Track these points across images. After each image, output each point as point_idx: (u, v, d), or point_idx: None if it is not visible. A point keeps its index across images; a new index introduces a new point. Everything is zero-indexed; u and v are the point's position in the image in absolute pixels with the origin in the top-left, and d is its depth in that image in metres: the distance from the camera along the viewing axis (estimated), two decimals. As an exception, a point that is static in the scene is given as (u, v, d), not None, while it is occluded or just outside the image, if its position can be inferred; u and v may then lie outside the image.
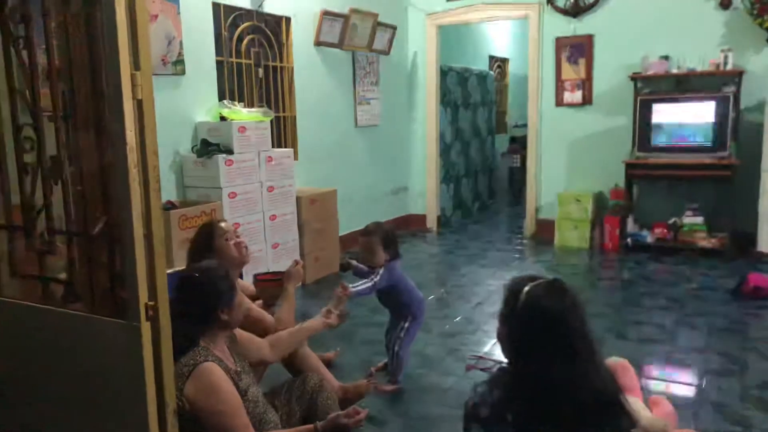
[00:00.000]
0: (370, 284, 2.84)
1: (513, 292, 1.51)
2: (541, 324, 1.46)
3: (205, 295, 1.96)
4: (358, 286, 2.82)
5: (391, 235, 2.96)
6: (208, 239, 2.58)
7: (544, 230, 6.08)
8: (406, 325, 2.99)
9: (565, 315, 1.44)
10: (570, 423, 1.40)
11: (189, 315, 1.90)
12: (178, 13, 3.97)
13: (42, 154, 1.95)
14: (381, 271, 2.87)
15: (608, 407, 1.43)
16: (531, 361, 1.45)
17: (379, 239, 2.87)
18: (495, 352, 3.38)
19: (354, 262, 2.97)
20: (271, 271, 2.84)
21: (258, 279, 2.98)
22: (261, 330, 2.50)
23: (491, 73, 8.34)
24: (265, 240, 4.26)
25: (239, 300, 2.05)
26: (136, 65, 1.65)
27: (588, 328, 1.47)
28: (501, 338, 1.56)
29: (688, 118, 5.18)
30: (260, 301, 2.83)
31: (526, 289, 1.49)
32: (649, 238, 5.42)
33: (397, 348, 2.98)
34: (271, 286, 2.82)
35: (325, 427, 2.02)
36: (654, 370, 3.16)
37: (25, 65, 1.97)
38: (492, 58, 8.86)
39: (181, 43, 3.99)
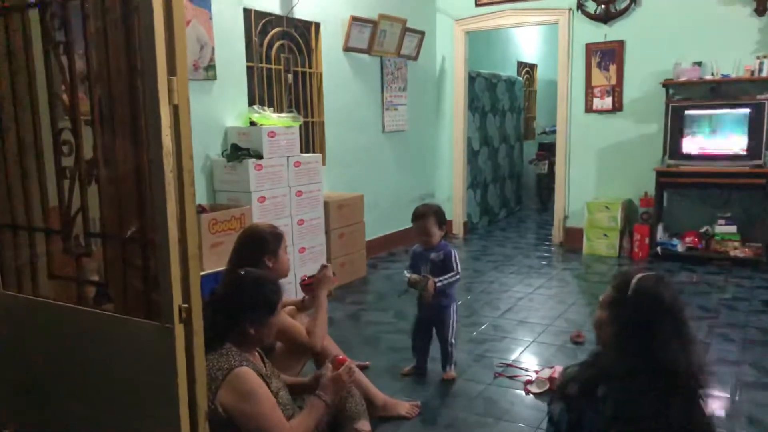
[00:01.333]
0: (457, 276, 3.04)
1: (624, 280, 1.65)
2: (650, 308, 1.59)
3: (243, 300, 1.94)
4: (444, 279, 2.98)
5: (442, 213, 3.10)
6: (262, 244, 2.50)
7: (573, 238, 6.01)
8: (455, 315, 3.11)
9: (671, 303, 1.60)
10: (664, 401, 1.51)
11: (222, 313, 1.91)
12: (210, 19, 4.02)
13: (79, 157, 1.99)
14: (453, 256, 3.03)
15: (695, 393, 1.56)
16: (636, 342, 1.56)
17: (433, 220, 3.01)
18: (523, 360, 3.35)
19: (414, 277, 3.03)
20: (311, 275, 2.79)
21: (303, 285, 2.86)
22: (295, 343, 2.50)
23: (520, 79, 8.29)
24: (293, 244, 4.29)
25: (274, 321, 2.00)
26: (172, 71, 1.67)
27: (687, 318, 1.62)
28: (601, 323, 1.68)
29: (722, 125, 5.08)
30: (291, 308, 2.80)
31: (638, 276, 1.64)
32: (680, 247, 5.32)
33: (451, 347, 3.10)
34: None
35: (326, 390, 2.00)
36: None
37: (64, 70, 2.01)
38: (520, 63, 8.80)
39: (213, 48, 4.04)
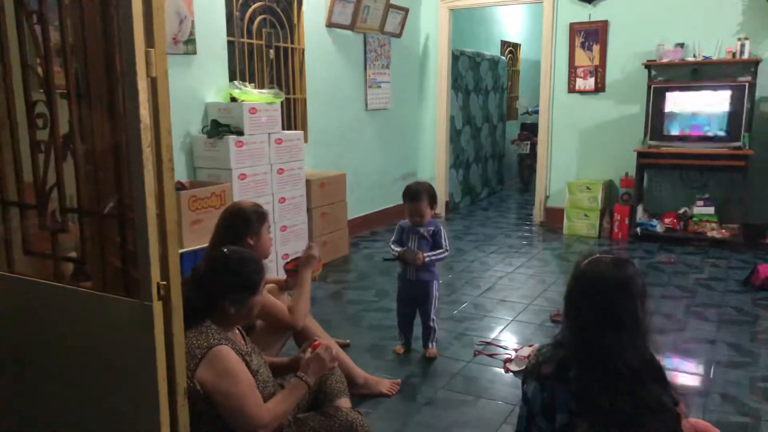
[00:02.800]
0: (446, 253, 3.10)
1: (578, 262, 1.64)
2: (589, 290, 1.57)
3: (225, 278, 1.92)
4: (433, 254, 3.04)
5: (433, 191, 3.13)
6: (244, 223, 2.45)
7: (553, 218, 6.05)
8: (436, 292, 3.14)
9: (616, 288, 1.53)
10: (623, 387, 1.49)
11: (202, 291, 1.89)
12: (190, -8, 3.93)
13: (55, 131, 1.94)
14: (442, 234, 3.09)
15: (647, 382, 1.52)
16: (581, 325, 1.56)
17: (426, 201, 3.05)
18: (503, 338, 3.38)
19: (404, 250, 3.06)
20: (297, 257, 2.75)
21: (287, 269, 2.83)
22: (276, 322, 2.49)
23: (503, 58, 8.26)
24: (274, 223, 4.26)
25: (255, 301, 1.97)
26: (150, 43, 1.63)
27: (638, 306, 1.54)
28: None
29: (702, 107, 5.12)
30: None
31: (590, 258, 1.62)
32: (659, 228, 5.39)
33: (433, 324, 3.14)
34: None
35: (307, 371, 2.01)
36: (663, 360, 3.14)
37: (38, 41, 1.95)
38: (504, 43, 8.77)
39: (192, 22, 3.96)
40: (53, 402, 1.97)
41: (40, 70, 1.99)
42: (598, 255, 1.63)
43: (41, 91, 1.98)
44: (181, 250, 3.31)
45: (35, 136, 1.99)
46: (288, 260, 2.89)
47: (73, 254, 2.04)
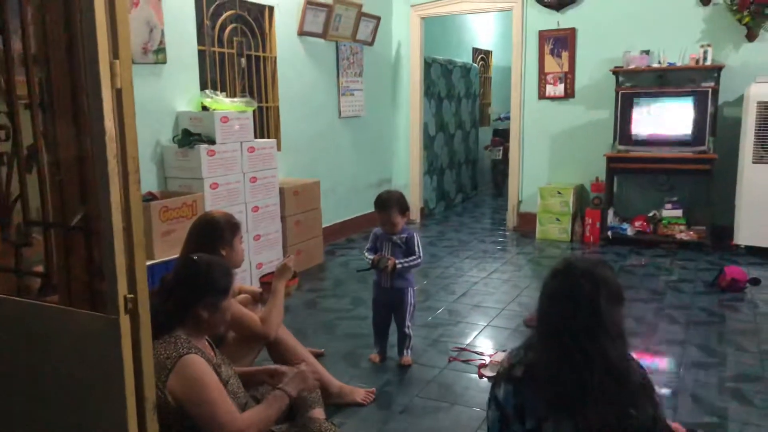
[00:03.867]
0: (419, 259, 3.08)
1: (554, 266, 1.64)
2: (561, 293, 1.57)
3: (195, 283, 1.91)
4: (405, 261, 3.03)
5: (404, 199, 3.14)
6: (217, 233, 2.43)
7: (526, 222, 6.11)
8: (412, 299, 3.14)
9: (586, 290, 1.51)
10: (593, 395, 1.47)
11: (173, 298, 1.87)
12: (160, 1, 3.90)
13: (18, 143, 1.91)
14: (415, 240, 3.08)
15: (627, 390, 1.50)
16: (552, 329, 1.54)
17: (396, 210, 3.04)
18: (477, 344, 3.40)
19: (376, 257, 3.06)
20: (272, 271, 2.73)
21: (262, 281, 2.83)
22: (248, 333, 2.46)
23: (475, 65, 8.34)
24: (248, 231, 4.23)
25: (227, 305, 1.97)
26: (115, 54, 1.61)
27: (614, 310, 1.53)
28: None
29: (668, 112, 5.23)
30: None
31: (565, 261, 1.62)
32: (629, 231, 5.47)
33: (408, 331, 3.14)
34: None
35: (289, 384, 2.01)
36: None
37: (-1, 52, 1.92)
38: (476, 50, 8.86)
39: (162, 31, 3.92)
40: (18, 418, 1.93)
41: (1, 80, 1.96)
42: (574, 257, 1.63)
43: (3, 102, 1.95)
44: (151, 261, 3.28)
45: (-3, 148, 1.96)
46: (263, 273, 2.87)
47: (39, 268, 2.00)
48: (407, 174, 6.71)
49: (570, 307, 1.53)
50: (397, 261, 3.01)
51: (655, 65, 5.32)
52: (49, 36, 1.83)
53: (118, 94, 1.62)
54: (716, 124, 5.20)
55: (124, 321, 1.60)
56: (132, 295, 1.62)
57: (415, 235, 3.11)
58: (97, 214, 1.70)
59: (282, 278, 2.60)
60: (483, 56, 9.17)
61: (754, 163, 4.84)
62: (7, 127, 1.90)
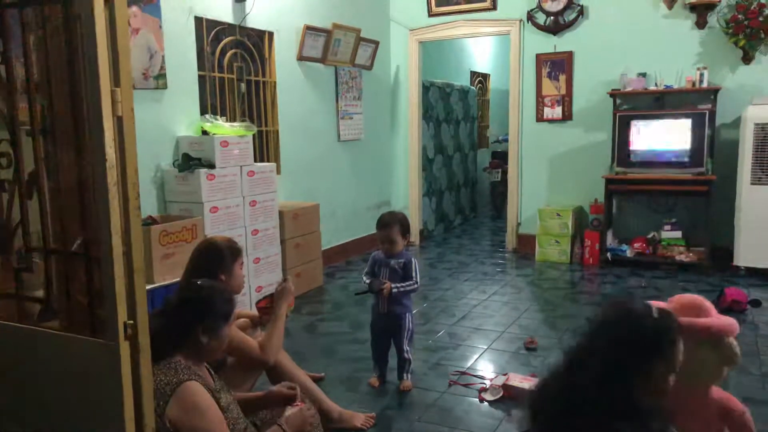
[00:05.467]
0: (416, 285, 3.07)
1: (610, 306, 1.54)
2: (600, 342, 1.45)
3: (196, 308, 1.91)
4: (401, 286, 3.02)
5: (406, 222, 3.15)
6: (217, 259, 2.43)
7: (526, 244, 6.12)
8: (410, 324, 3.13)
9: (642, 341, 1.40)
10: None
11: (173, 322, 1.87)
12: (161, 27, 3.95)
13: (19, 169, 1.92)
14: (413, 265, 3.06)
15: None
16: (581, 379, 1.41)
17: (398, 229, 3.05)
18: (478, 367, 3.38)
19: (373, 281, 3.05)
20: (271, 294, 2.72)
21: (259, 307, 2.81)
22: (247, 358, 2.45)
23: (473, 88, 8.41)
24: (247, 255, 4.23)
25: (226, 332, 1.97)
26: (116, 81, 1.64)
27: (660, 374, 1.42)
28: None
29: (666, 134, 5.26)
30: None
31: (620, 302, 1.53)
32: (629, 253, 5.47)
33: (407, 355, 3.12)
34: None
35: (288, 422, 2.01)
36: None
37: (1, 79, 1.94)
38: (473, 73, 8.94)
39: (163, 57, 3.97)
40: (16, 447, 1.91)
41: (4, 107, 1.98)
42: (633, 299, 1.53)
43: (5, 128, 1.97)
44: (151, 285, 3.28)
45: (-1, 175, 1.97)
46: (261, 297, 2.87)
47: (39, 293, 2.00)
48: (406, 196, 6.73)
49: (610, 354, 1.39)
50: (392, 285, 3.00)
51: (652, 88, 5.37)
52: (51, 63, 1.86)
53: (119, 122, 1.63)
54: (714, 146, 5.23)
55: (124, 347, 1.61)
56: (132, 321, 1.62)
57: (413, 260, 3.11)
58: (97, 240, 1.71)
59: (282, 301, 2.60)
60: (481, 79, 9.25)
61: (752, 184, 4.86)
62: (9, 154, 1.92)
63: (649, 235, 5.52)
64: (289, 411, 2.05)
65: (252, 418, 2.11)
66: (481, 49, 9.03)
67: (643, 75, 5.41)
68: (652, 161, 5.31)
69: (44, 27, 1.84)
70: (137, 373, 1.64)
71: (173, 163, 4.05)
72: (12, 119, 1.93)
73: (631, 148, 5.35)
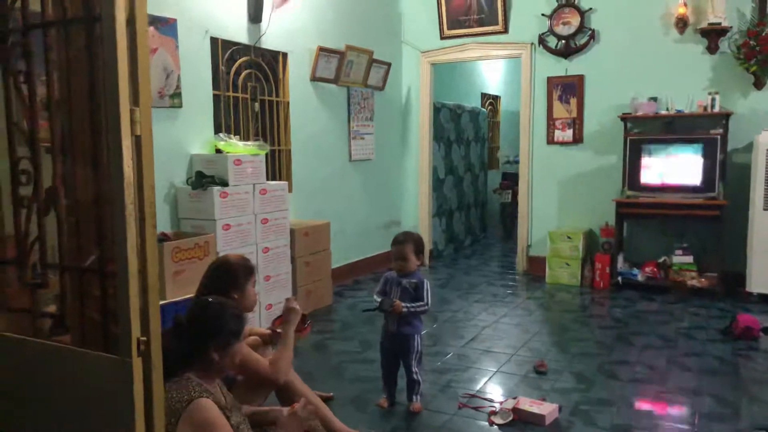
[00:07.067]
0: (426, 307, 3.06)
1: None
2: None
3: (207, 324, 1.92)
4: (412, 306, 3.01)
5: (421, 242, 3.17)
6: (230, 277, 2.45)
7: (536, 266, 6.10)
8: (418, 346, 3.12)
9: None
10: None
11: (185, 339, 1.88)
12: (177, 47, 4.02)
13: (38, 186, 1.95)
14: (425, 287, 3.06)
15: None
16: None
17: (412, 247, 3.08)
18: (487, 390, 3.36)
19: (383, 301, 3.05)
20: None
21: (275, 325, 2.82)
22: (257, 376, 2.46)
23: (483, 110, 8.45)
24: (258, 272, 4.25)
25: (238, 348, 1.99)
26: (135, 101, 1.67)
27: None
28: None
29: (677, 158, 5.26)
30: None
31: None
32: (640, 277, 5.44)
33: (416, 377, 3.11)
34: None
35: (285, 428, 2.00)
36: (645, 413, 3.14)
37: (24, 99, 1.99)
38: (484, 95, 8.99)
39: (179, 76, 4.03)
40: (26, 462, 1.92)
41: (25, 124, 2.02)
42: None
43: (25, 146, 2.00)
44: (163, 302, 3.29)
45: (18, 191, 2.00)
46: (276, 316, 2.88)
47: (53, 308, 2.02)
48: (416, 216, 6.75)
49: None
50: (403, 305, 3.00)
51: (663, 112, 5.38)
52: (72, 83, 1.90)
53: (137, 141, 1.67)
54: (726, 171, 5.22)
55: (137, 363, 1.62)
56: (145, 338, 1.64)
57: (425, 281, 3.11)
58: (111, 257, 1.73)
59: (290, 323, 2.60)
60: (492, 101, 9.30)
61: (765, 209, 4.83)
62: (29, 172, 1.95)
63: (660, 260, 5.49)
64: (285, 412, 2.04)
65: (260, 436, 2.11)
66: (492, 71, 9.09)
67: (654, 99, 5.43)
68: (663, 185, 5.30)
69: (67, 48, 1.88)
70: (149, 389, 1.65)
71: (187, 181, 4.09)
72: (33, 137, 1.96)
73: (643, 172, 5.35)
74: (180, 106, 4.07)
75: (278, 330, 2.70)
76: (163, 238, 3.66)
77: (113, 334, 1.75)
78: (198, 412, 1.77)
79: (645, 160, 5.34)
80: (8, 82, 2.02)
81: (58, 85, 1.92)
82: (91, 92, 1.83)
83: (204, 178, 4.02)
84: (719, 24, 5.16)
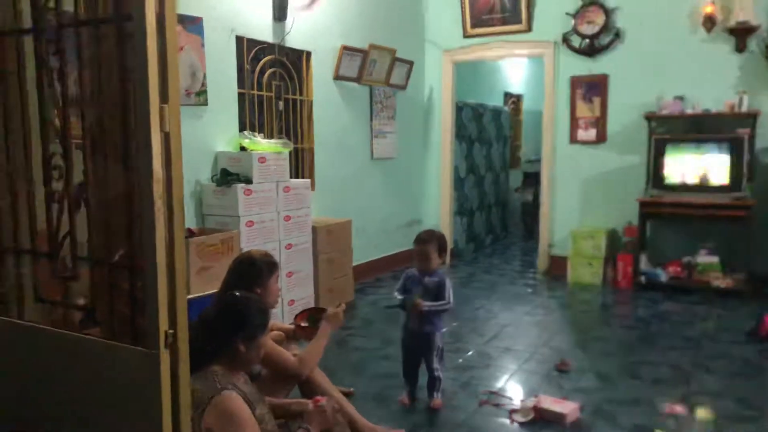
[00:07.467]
0: (448, 305, 3.07)
1: None
2: None
3: (233, 318, 1.97)
4: (434, 305, 3.02)
5: (444, 241, 3.17)
6: (253, 273, 2.49)
7: (557, 266, 6.06)
8: (440, 343, 3.12)
9: None
10: None
11: (211, 332, 1.92)
12: (203, 46, 4.08)
13: (69, 181, 2.00)
14: (446, 286, 3.07)
15: None
16: None
17: (434, 246, 3.07)
18: (508, 388, 3.36)
19: (405, 299, 3.07)
20: (308, 308, 2.79)
21: (298, 320, 2.90)
22: (282, 370, 2.50)
23: (506, 109, 8.41)
24: (281, 269, 4.28)
25: (263, 341, 2.04)
26: (164, 98, 1.70)
27: None
28: None
29: (703, 158, 5.19)
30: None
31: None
32: (663, 277, 5.38)
33: (438, 374, 3.11)
34: (311, 332, 2.74)
35: (311, 423, 2.03)
36: (668, 414, 3.11)
37: (56, 95, 2.04)
38: (507, 94, 8.95)
39: (204, 75, 4.09)
40: (57, 450, 1.97)
41: (57, 122, 2.07)
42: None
43: (57, 142, 2.05)
44: (188, 297, 3.34)
45: (51, 186, 2.05)
46: (298, 312, 2.93)
47: (82, 301, 2.07)
48: (437, 215, 6.75)
49: None
50: (425, 303, 3.01)
51: (689, 111, 5.31)
52: (102, 81, 1.94)
53: (166, 138, 1.70)
54: (753, 171, 5.13)
55: (164, 355, 1.65)
56: (172, 331, 1.67)
57: (447, 280, 3.11)
58: (140, 251, 1.77)
59: (331, 323, 2.68)
60: (514, 100, 9.25)
61: (792, 210, 4.75)
62: (61, 167, 2.00)
63: (685, 260, 5.42)
64: (309, 407, 2.07)
65: (284, 430, 2.14)
66: (515, 70, 9.04)
67: (680, 98, 5.36)
68: (688, 185, 5.23)
69: (98, 45, 1.93)
70: (176, 381, 1.69)
71: (212, 178, 4.15)
72: (64, 133, 2.01)
73: (666, 171, 5.29)
74: (206, 104, 4.12)
75: (302, 324, 2.74)
76: (189, 234, 3.72)
77: (141, 327, 1.79)
78: (223, 403, 1.80)
79: (670, 160, 5.28)
80: (42, 80, 2.07)
81: (89, 82, 1.97)
82: (122, 89, 1.87)
83: (229, 176, 4.07)
84: (747, 23, 5.08)
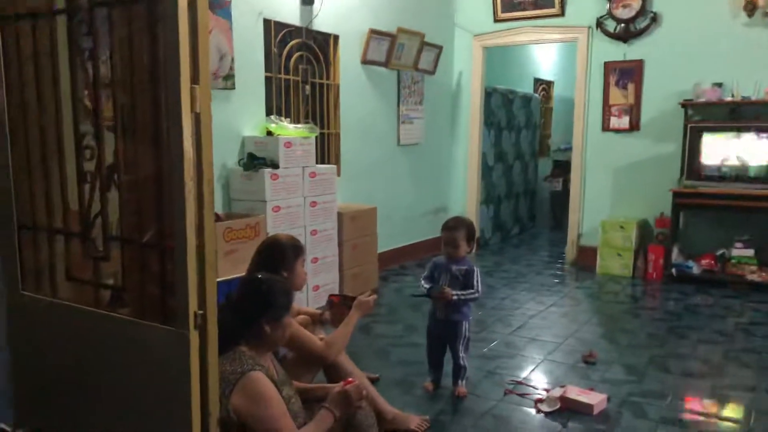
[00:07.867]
0: (476, 294, 3.04)
1: None
2: None
3: (258, 299, 1.97)
4: (462, 294, 2.98)
5: (473, 228, 3.13)
6: (280, 256, 2.50)
7: (586, 257, 5.97)
8: (466, 332, 3.10)
9: None
10: None
11: (237, 314, 1.93)
12: (230, 29, 4.07)
13: (101, 162, 2.01)
14: (475, 274, 3.04)
15: None
16: None
17: (463, 233, 3.04)
18: (533, 378, 3.32)
19: (432, 288, 3.05)
20: (343, 294, 2.81)
21: (331, 297, 2.93)
22: (307, 353, 2.50)
23: (536, 95, 8.29)
24: (306, 254, 4.29)
25: (288, 322, 2.04)
26: (195, 79, 1.70)
27: None
28: None
29: (741, 147, 5.05)
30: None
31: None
32: (695, 269, 5.27)
33: (463, 362, 3.09)
34: (341, 311, 2.77)
35: (335, 404, 2.03)
36: (698, 407, 3.05)
37: (88, 76, 2.04)
38: (537, 80, 8.80)
39: (232, 58, 4.08)
40: (88, 425, 2.00)
41: (88, 103, 2.08)
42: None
43: (89, 123, 2.06)
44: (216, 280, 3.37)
45: (82, 166, 2.07)
46: (333, 294, 2.95)
47: (112, 281, 2.09)
48: (464, 203, 6.69)
49: None
50: (453, 292, 2.98)
51: (728, 98, 5.16)
52: (134, 62, 1.94)
53: (196, 118, 1.70)
54: (792, 161, 4.98)
55: (194, 336, 1.66)
56: (201, 311, 1.67)
57: (475, 269, 3.08)
58: (170, 232, 1.78)
59: (361, 310, 2.70)
60: (545, 86, 9.10)
61: (833, 202, 4.60)
62: (92, 147, 2.01)
63: (719, 252, 5.30)
64: (337, 389, 2.07)
65: (310, 413, 2.14)
66: (546, 55, 8.89)
67: (719, 85, 5.20)
68: (725, 175, 5.10)
69: (130, 26, 1.92)
70: (205, 361, 1.70)
71: (238, 162, 4.16)
72: (96, 114, 2.02)
73: (703, 160, 5.16)
74: (233, 88, 4.12)
75: (335, 301, 2.75)
76: (216, 218, 3.73)
77: (171, 308, 1.79)
78: (251, 384, 1.81)
79: (706, 149, 5.14)
80: (74, 61, 2.08)
81: (120, 63, 1.97)
82: (152, 71, 1.87)
83: (255, 160, 4.07)
84: (791, 6, 4.91)
